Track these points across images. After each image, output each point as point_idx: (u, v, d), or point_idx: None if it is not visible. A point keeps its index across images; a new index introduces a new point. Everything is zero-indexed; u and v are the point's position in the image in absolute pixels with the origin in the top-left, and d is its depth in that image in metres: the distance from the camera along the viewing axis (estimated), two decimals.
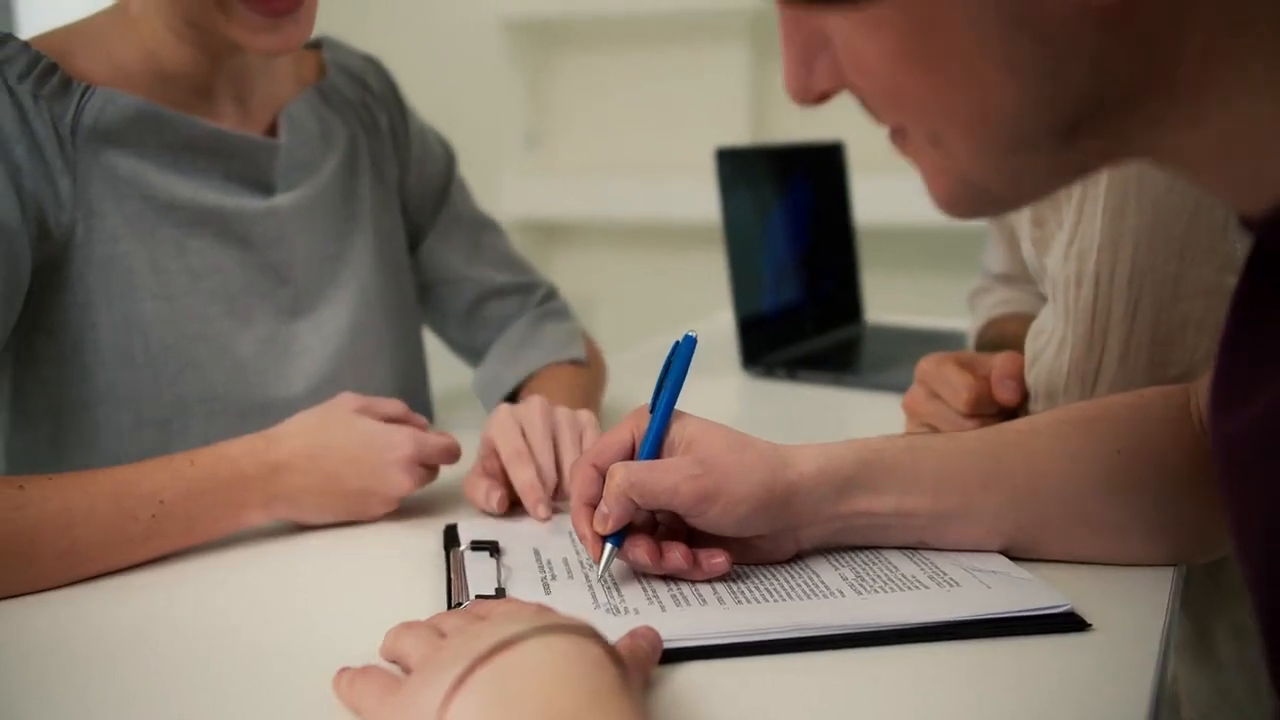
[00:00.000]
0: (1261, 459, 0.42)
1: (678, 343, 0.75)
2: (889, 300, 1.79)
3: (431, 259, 1.13)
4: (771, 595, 0.68)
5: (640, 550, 0.69)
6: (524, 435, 0.84)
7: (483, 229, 1.16)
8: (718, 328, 1.50)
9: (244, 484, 0.79)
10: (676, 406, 0.73)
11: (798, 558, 0.73)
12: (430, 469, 0.86)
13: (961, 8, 0.39)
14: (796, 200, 1.47)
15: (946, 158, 0.46)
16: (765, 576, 0.71)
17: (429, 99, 2.91)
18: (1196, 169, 0.44)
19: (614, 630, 0.61)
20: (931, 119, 0.44)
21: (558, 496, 0.84)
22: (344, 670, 0.58)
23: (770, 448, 0.71)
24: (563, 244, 3.50)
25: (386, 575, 0.76)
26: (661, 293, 3.27)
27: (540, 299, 1.17)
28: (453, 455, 0.86)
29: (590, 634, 0.48)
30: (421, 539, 0.81)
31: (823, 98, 0.48)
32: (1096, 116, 0.41)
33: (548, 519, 0.80)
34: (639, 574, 0.71)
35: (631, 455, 0.72)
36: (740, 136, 3.00)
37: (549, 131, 3.40)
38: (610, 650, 0.48)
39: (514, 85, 3.33)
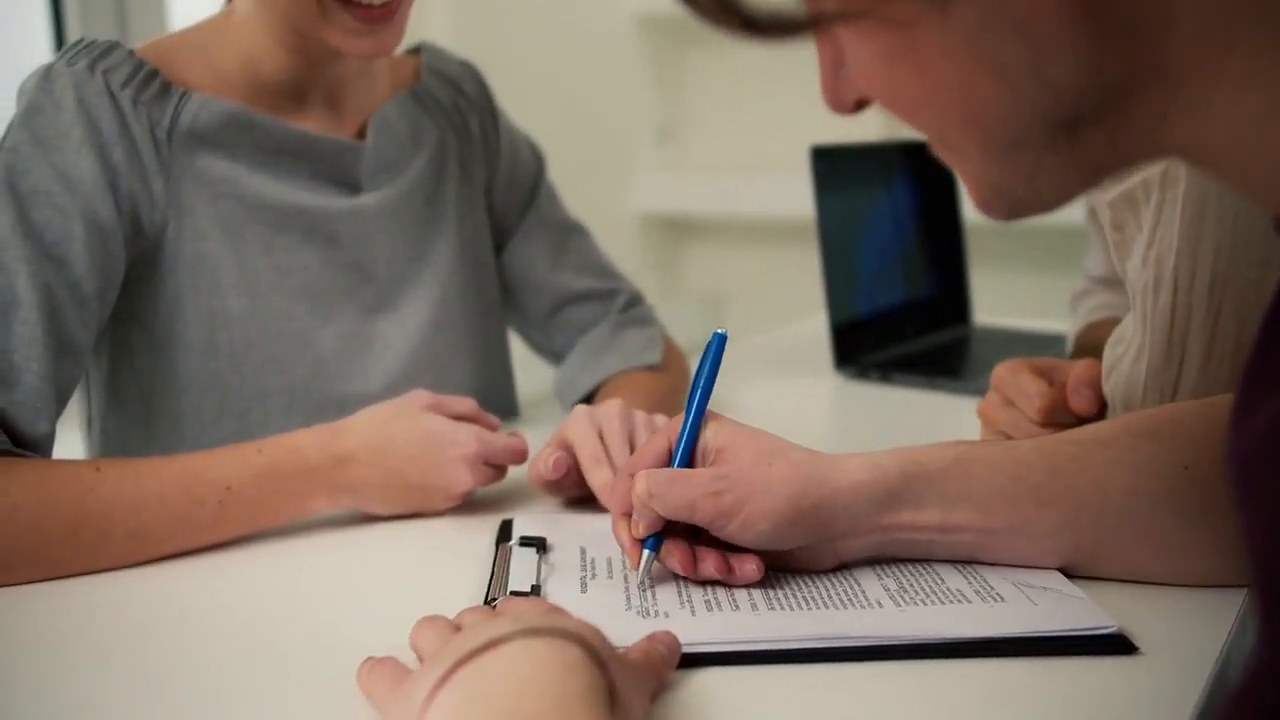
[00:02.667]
0: None
1: (710, 341, 0.75)
2: (1001, 302, 1.74)
3: (515, 262, 1.14)
4: (808, 603, 0.67)
5: (674, 560, 0.69)
6: (601, 439, 0.84)
7: (569, 234, 1.17)
8: (822, 325, 1.48)
9: (309, 474, 0.81)
10: (718, 409, 0.73)
11: (843, 566, 0.72)
12: (496, 468, 0.87)
13: (935, 9, 0.38)
14: (898, 199, 1.44)
15: (963, 160, 0.46)
16: (805, 584, 0.70)
17: (563, 95, 2.96)
18: (1220, 166, 0.42)
19: (642, 633, 0.62)
20: (931, 120, 0.44)
21: None
22: (368, 659, 0.59)
23: (807, 458, 0.69)
24: (694, 240, 3.50)
25: (438, 567, 0.78)
26: (793, 288, 3.23)
27: (622, 305, 1.17)
28: (519, 456, 0.87)
29: (577, 638, 0.49)
30: (477, 533, 0.83)
31: (858, 106, 0.49)
32: (1094, 111, 0.39)
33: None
34: (677, 575, 0.71)
35: (669, 463, 0.72)
36: (872, 132, 2.95)
37: (681, 127, 3.41)
38: (595, 656, 0.48)
39: (647, 81, 3.34)
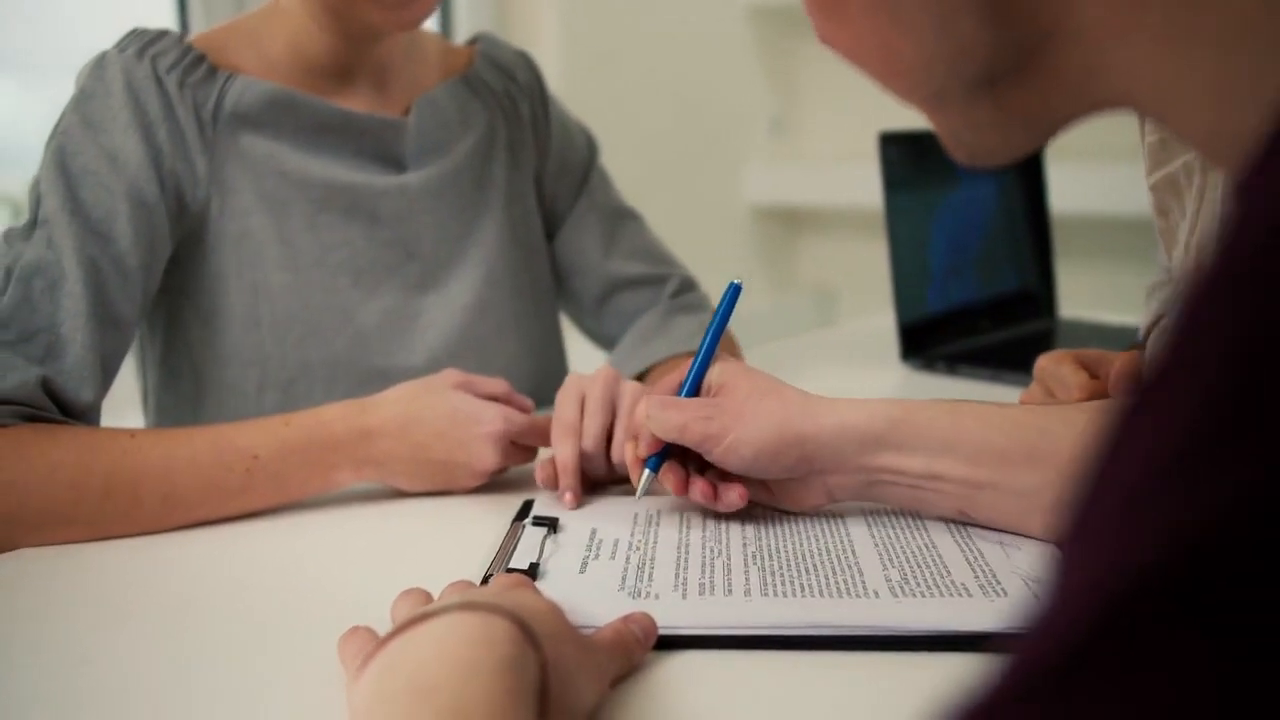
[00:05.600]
0: None
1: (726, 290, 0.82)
2: (1092, 295, 1.68)
3: (566, 248, 1.15)
4: (804, 589, 0.66)
5: (669, 480, 0.76)
6: (583, 405, 0.84)
7: (620, 220, 1.18)
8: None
9: (335, 446, 0.83)
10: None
11: (853, 552, 0.71)
12: (524, 448, 0.87)
13: None
14: (976, 188, 1.40)
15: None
16: (806, 569, 0.69)
17: (675, 87, 2.95)
18: (1170, 123, 0.40)
19: (629, 612, 0.61)
20: (866, 70, 0.44)
21: (604, 477, 0.85)
22: (351, 628, 0.60)
23: (798, 397, 0.74)
24: (806, 231, 3.47)
25: (456, 544, 0.78)
26: None
27: (673, 291, 1.17)
28: (545, 437, 0.87)
29: (508, 614, 0.49)
30: (501, 512, 0.83)
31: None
32: (1009, 69, 0.38)
33: (573, 507, 0.82)
34: (678, 556, 0.72)
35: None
36: None
37: (793, 118, 3.37)
38: (527, 632, 0.48)
39: (759, 72, 3.31)
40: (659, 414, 0.75)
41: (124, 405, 1.04)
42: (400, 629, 0.48)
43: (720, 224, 3.28)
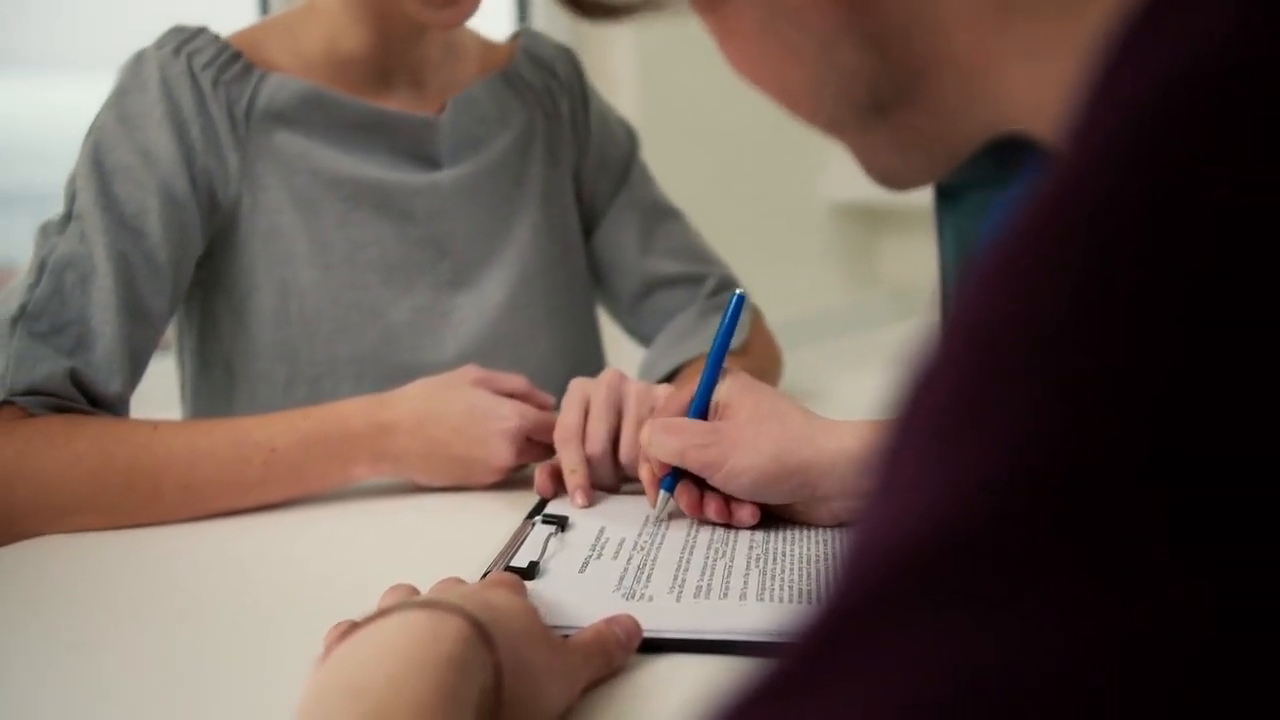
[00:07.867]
0: None
1: (729, 301, 0.81)
2: None
3: (605, 245, 1.15)
4: (803, 595, 0.65)
5: (683, 500, 0.76)
6: (588, 409, 0.84)
7: (660, 217, 1.16)
8: None
9: (352, 440, 0.84)
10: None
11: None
12: (541, 445, 0.87)
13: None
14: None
15: None
16: (810, 575, 0.68)
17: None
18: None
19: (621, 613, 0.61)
20: (769, 94, 0.44)
21: (612, 486, 0.85)
22: (340, 622, 0.60)
23: (800, 421, 0.74)
24: (887, 229, 3.43)
25: (467, 540, 0.78)
26: None
27: (711, 290, 1.15)
28: None
29: (463, 613, 0.48)
30: (517, 508, 0.83)
31: None
32: (894, 97, 0.38)
33: (585, 506, 0.81)
34: (681, 557, 0.71)
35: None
36: None
37: None
38: (481, 632, 0.48)
39: None
40: (659, 438, 0.75)
41: (166, 398, 1.06)
42: (357, 626, 0.48)
43: (799, 222, 3.25)
